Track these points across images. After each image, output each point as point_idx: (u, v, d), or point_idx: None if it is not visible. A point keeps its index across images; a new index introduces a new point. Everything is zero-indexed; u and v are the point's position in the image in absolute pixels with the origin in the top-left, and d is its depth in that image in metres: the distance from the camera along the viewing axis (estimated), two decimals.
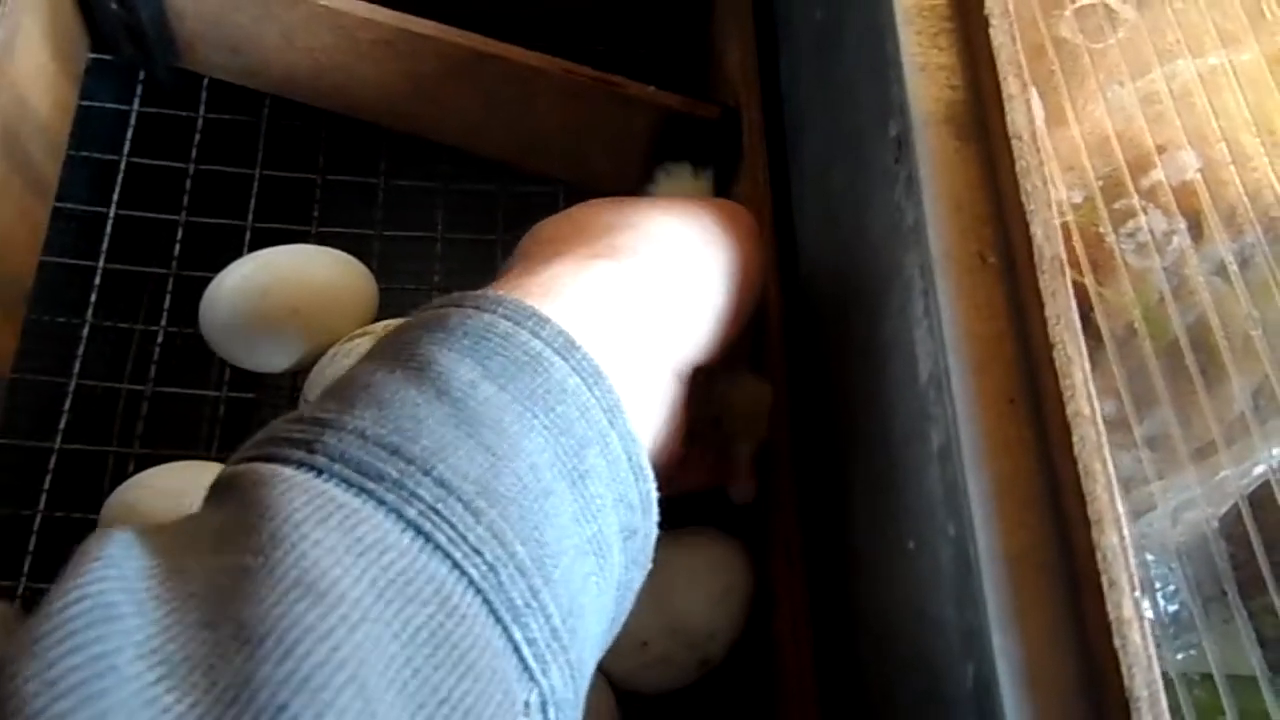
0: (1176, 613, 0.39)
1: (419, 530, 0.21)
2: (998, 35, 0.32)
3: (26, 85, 0.50)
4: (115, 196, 0.54)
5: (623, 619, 0.28)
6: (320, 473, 0.21)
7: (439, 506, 0.21)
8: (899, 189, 0.33)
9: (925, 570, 0.30)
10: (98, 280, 0.53)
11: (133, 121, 0.56)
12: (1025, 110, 0.31)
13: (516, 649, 0.21)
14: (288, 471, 0.21)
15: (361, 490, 0.21)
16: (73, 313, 0.52)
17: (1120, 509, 0.26)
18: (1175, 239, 0.46)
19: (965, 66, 0.33)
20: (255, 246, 0.52)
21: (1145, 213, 0.47)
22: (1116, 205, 0.48)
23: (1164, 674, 0.27)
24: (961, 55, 0.33)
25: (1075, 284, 0.47)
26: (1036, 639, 0.26)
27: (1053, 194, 0.46)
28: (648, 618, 0.43)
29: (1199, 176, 0.47)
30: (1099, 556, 0.25)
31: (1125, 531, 0.25)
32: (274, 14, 0.53)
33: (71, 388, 0.50)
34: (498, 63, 0.52)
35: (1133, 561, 0.25)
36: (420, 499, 0.21)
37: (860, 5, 0.37)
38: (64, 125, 0.54)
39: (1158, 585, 0.38)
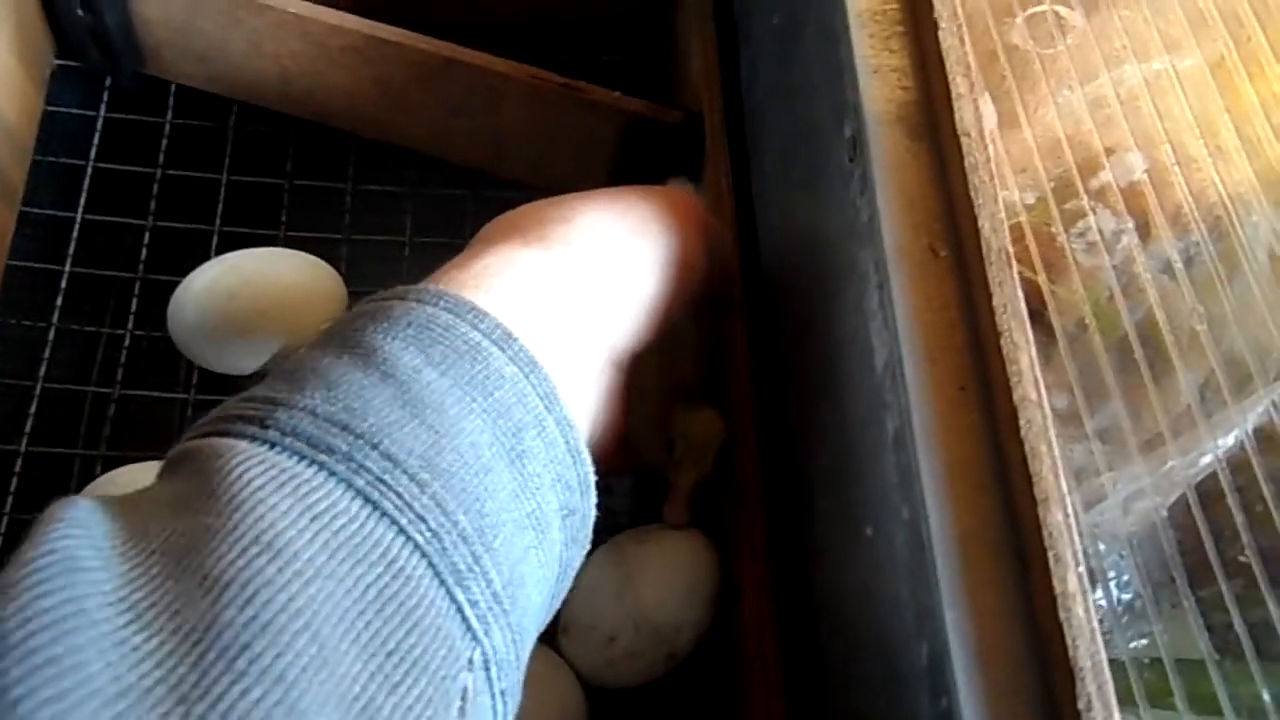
0: (1129, 601, 0.40)
1: (367, 499, 0.22)
2: (946, 38, 0.33)
3: None
4: (82, 201, 0.54)
5: (563, 594, 0.29)
6: (273, 446, 0.22)
7: (386, 478, 0.22)
8: (854, 187, 0.34)
9: (881, 554, 0.31)
10: (64, 284, 0.53)
11: (99, 127, 0.57)
12: (973, 110, 0.32)
13: (460, 609, 0.22)
14: (243, 445, 0.22)
15: (313, 462, 0.22)
16: (39, 316, 0.52)
17: (1065, 488, 0.27)
18: (1124, 238, 0.48)
19: (916, 68, 0.34)
20: (222, 251, 0.52)
21: (1095, 213, 0.48)
22: (1067, 206, 0.50)
23: (1115, 659, 0.28)
24: (912, 57, 0.34)
25: (1028, 281, 0.48)
26: (986, 615, 0.27)
27: (1005, 195, 0.48)
28: (615, 613, 0.43)
29: (1146, 178, 0.49)
30: (1045, 534, 0.26)
31: (1070, 510, 0.26)
32: (241, 21, 0.53)
33: (38, 391, 0.50)
34: (464, 69, 0.52)
35: (1078, 539, 0.26)
36: (368, 470, 0.22)
37: (815, 10, 0.38)
38: (30, 130, 0.54)
39: (1110, 574, 0.40)
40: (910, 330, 0.31)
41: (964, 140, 0.31)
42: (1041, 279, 0.49)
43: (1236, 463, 0.39)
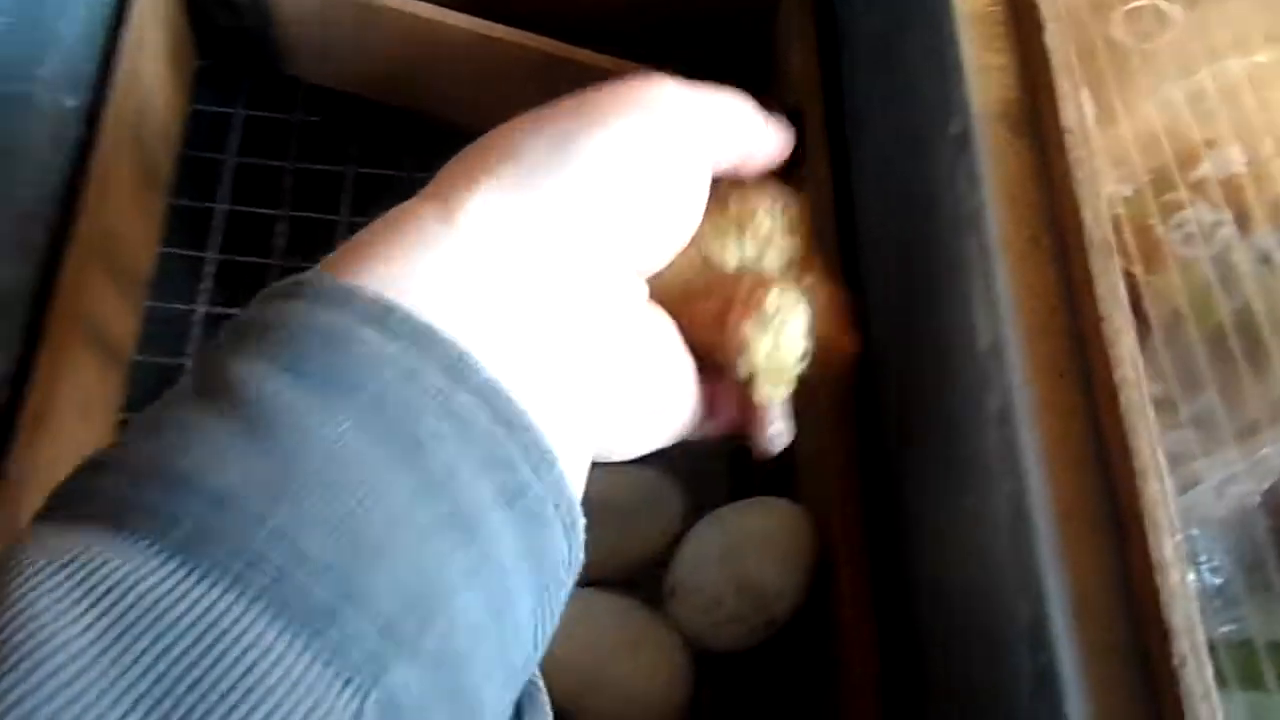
0: (1220, 585, 0.41)
1: (181, 553, 0.18)
2: (1051, 38, 0.35)
3: (147, 92, 0.55)
4: (224, 192, 0.59)
5: (563, 586, 0.24)
6: (77, 518, 0.19)
7: (210, 521, 0.19)
8: (960, 181, 0.36)
9: (983, 523, 0.34)
10: (209, 269, 0.57)
11: (238, 124, 0.61)
12: (1076, 107, 0.34)
13: (323, 654, 0.18)
14: (44, 530, 0.19)
15: (119, 530, 0.19)
16: (187, 300, 0.56)
17: (1161, 461, 0.29)
18: (1221, 230, 0.49)
19: (1020, 68, 0.36)
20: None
21: (1193, 205, 0.49)
22: (1165, 198, 0.51)
23: (1207, 641, 0.29)
24: (1016, 56, 0.36)
25: (1125, 273, 0.49)
26: (1084, 579, 0.29)
27: (1102, 187, 0.49)
28: (720, 579, 0.46)
29: (1245, 170, 0.50)
30: (1142, 504, 0.28)
31: (1166, 482, 0.28)
32: (369, 23, 0.57)
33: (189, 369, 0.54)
34: (571, 66, 0.55)
35: (1173, 509, 0.28)
36: (186, 519, 0.19)
37: (921, 13, 0.40)
38: (178, 127, 0.59)
39: (1201, 558, 0.41)
40: (1013, 315, 0.33)
41: (1067, 136, 0.33)
42: (1138, 269, 0.50)
43: None
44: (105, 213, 0.50)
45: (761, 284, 0.30)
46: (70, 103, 0.51)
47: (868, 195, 0.50)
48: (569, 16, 0.60)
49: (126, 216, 0.52)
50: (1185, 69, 0.53)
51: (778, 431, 0.31)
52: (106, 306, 0.51)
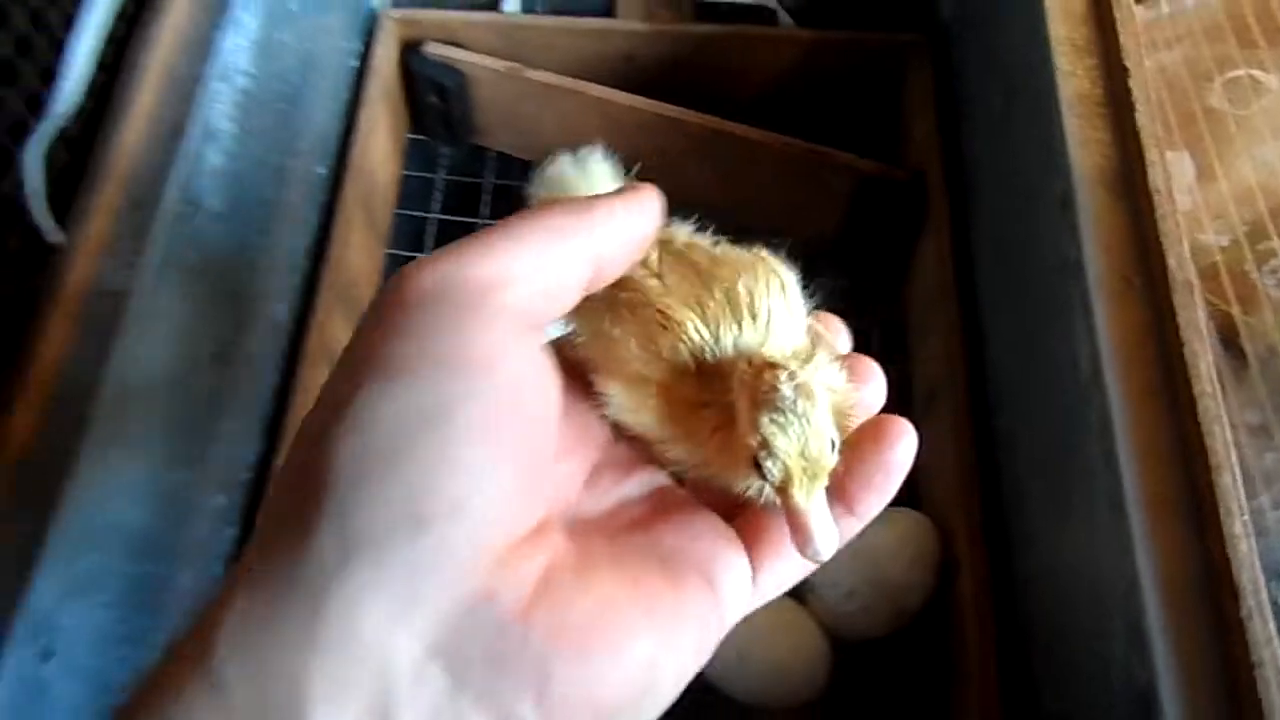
0: None
1: None
2: (1141, 117, 0.42)
3: (374, 162, 0.67)
4: (429, 244, 0.70)
5: None
6: None
7: None
8: (1064, 235, 0.43)
9: (1086, 521, 0.41)
10: None
11: (440, 186, 0.73)
12: (1163, 172, 0.41)
13: None
14: None
15: None
16: None
17: (1234, 459, 0.35)
18: None
19: (1117, 140, 0.43)
20: None
21: None
22: (1259, 246, 0.57)
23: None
24: (1113, 132, 0.43)
25: (1222, 313, 0.56)
26: (1171, 554, 0.36)
27: (1203, 238, 0.56)
28: (855, 573, 0.54)
29: None
30: (1218, 492, 0.35)
31: (1237, 475, 0.35)
32: (554, 103, 0.68)
33: None
34: (729, 138, 0.65)
35: (1243, 495, 0.35)
36: None
37: (1032, 95, 0.48)
38: (393, 190, 0.71)
39: None
40: (1109, 344, 0.40)
41: (1155, 196, 0.40)
42: (1235, 310, 0.56)
43: None
44: (345, 262, 0.61)
45: (767, 367, 0.23)
46: (320, 170, 0.63)
47: (982, 246, 0.57)
48: (725, 96, 0.69)
49: (359, 265, 0.64)
50: (1277, 131, 0.59)
51: (825, 535, 0.22)
52: (344, 337, 0.62)
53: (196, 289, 0.49)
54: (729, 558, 0.23)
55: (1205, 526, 0.35)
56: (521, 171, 0.74)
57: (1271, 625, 0.33)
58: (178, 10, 0.50)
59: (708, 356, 0.24)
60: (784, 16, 0.74)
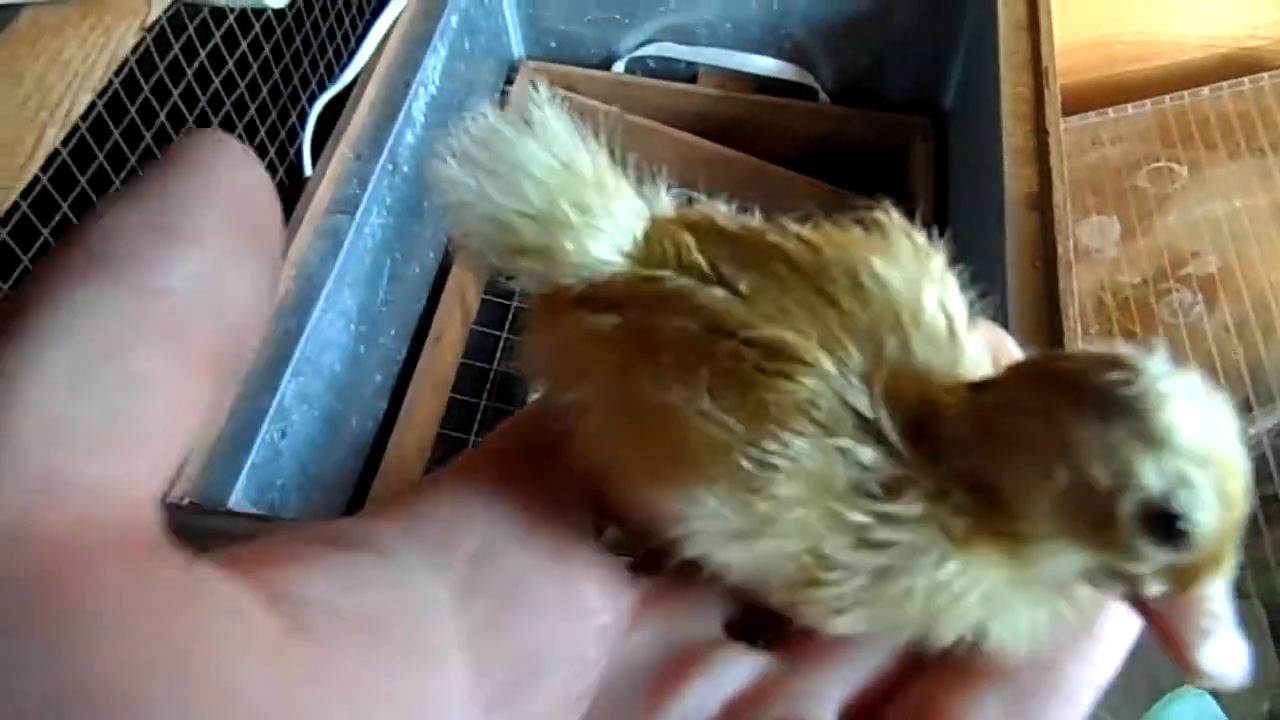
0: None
1: None
2: (1054, 169, 0.62)
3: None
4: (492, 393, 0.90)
5: None
6: None
7: None
8: (996, 239, 0.63)
9: None
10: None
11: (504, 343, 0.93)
12: (1063, 198, 0.60)
13: None
14: None
15: None
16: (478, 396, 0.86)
17: None
18: (1196, 309, 0.73)
19: (1040, 180, 0.63)
20: None
21: (1178, 292, 0.74)
22: (1160, 286, 0.76)
23: None
24: (1039, 180, 0.63)
25: (1130, 333, 0.74)
26: None
27: (1122, 278, 0.75)
28: None
29: (1216, 271, 0.74)
30: None
31: None
32: (641, 140, 0.89)
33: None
34: (771, 176, 0.86)
35: None
36: None
37: (978, 192, 0.68)
38: (462, 343, 0.92)
39: None
40: (1015, 307, 0.59)
41: (1056, 211, 0.60)
42: (1138, 331, 0.75)
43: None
44: (420, 403, 0.79)
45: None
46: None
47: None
48: (772, 148, 0.90)
49: (428, 411, 0.81)
50: (1185, 208, 0.79)
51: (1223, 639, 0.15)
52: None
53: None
54: None
55: None
56: None
57: None
58: (403, 19, 0.72)
59: (865, 411, 0.15)
60: (823, 95, 0.95)
